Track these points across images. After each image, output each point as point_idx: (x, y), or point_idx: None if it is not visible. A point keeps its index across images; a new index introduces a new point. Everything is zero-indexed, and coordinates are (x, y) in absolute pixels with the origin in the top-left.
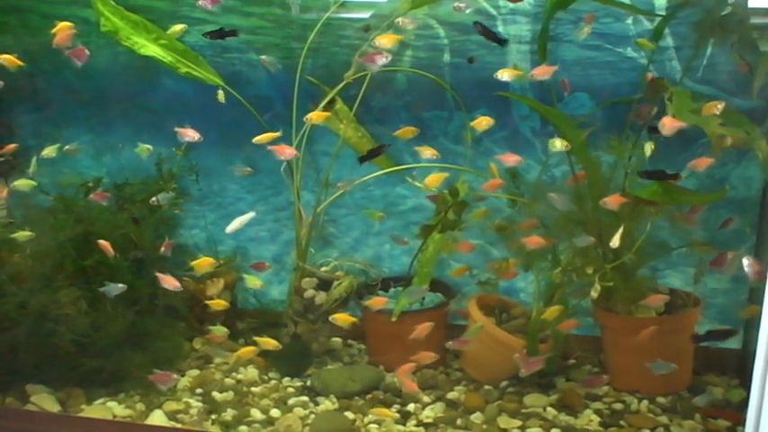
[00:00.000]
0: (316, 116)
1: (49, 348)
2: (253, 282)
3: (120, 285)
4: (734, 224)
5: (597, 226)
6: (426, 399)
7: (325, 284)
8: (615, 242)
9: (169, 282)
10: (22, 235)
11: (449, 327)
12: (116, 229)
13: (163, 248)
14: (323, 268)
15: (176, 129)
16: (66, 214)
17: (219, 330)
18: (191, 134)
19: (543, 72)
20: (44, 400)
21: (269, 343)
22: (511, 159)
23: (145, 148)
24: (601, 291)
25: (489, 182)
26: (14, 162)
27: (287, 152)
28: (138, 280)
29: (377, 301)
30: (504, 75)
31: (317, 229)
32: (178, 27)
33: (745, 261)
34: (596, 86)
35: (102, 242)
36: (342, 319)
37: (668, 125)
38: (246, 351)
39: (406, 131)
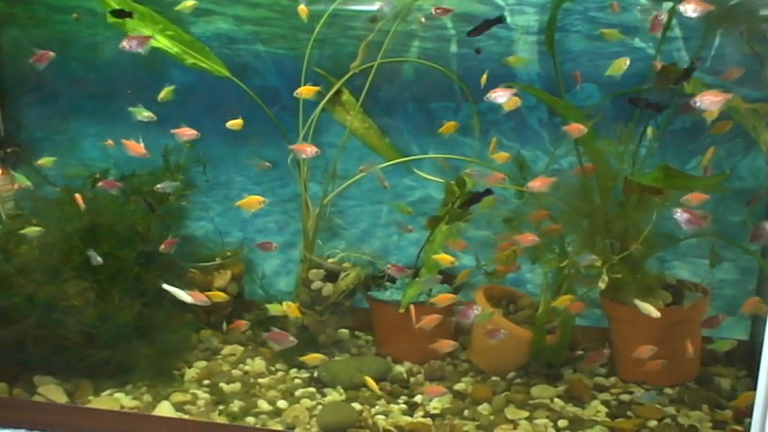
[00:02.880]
0: (305, 91)
1: (56, 340)
2: (276, 309)
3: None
4: (758, 202)
5: (604, 217)
6: (436, 389)
7: (332, 276)
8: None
9: (197, 297)
10: (32, 230)
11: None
12: (123, 220)
13: (163, 247)
14: (330, 260)
15: (173, 131)
16: (72, 205)
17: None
18: (188, 133)
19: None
20: (51, 392)
21: (315, 359)
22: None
23: (109, 143)
24: (608, 282)
25: (492, 175)
26: (22, 154)
27: (308, 151)
28: (145, 272)
29: (442, 298)
30: (498, 96)
31: (324, 221)
32: (189, 2)
33: (678, 211)
34: (604, 77)
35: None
36: (312, 359)
37: (710, 99)
38: (313, 358)
39: (449, 127)
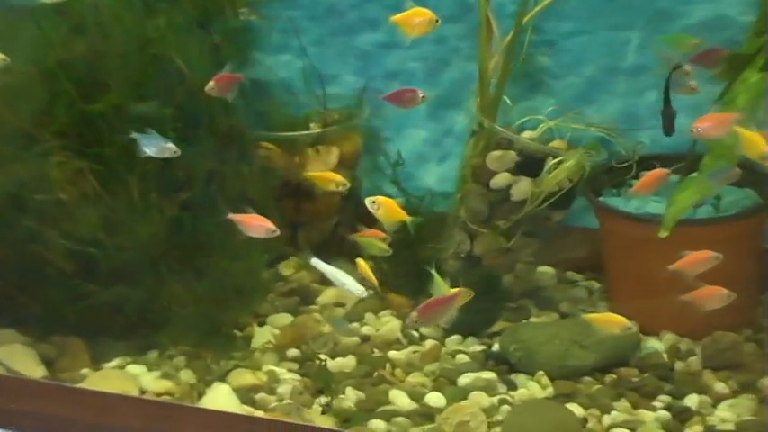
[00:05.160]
0: None
1: (25, 261)
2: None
3: (170, 146)
4: None
5: None
6: (721, 386)
7: (529, 164)
8: None
9: (261, 225)
10: None
11: (764, 252)
12: (145, 46)
13: (212, 86)
14: (526, 134)
15: None
16: (59, 17)
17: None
18: None
19: None
20: (18, 357)
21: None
22: None
23: None
24: None
25: None
26: None
27: None
28: (186, 147)
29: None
30: None
31: (518, 61)
32: None
33: None
34: None
35: None
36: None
37: None
38: None
39: None
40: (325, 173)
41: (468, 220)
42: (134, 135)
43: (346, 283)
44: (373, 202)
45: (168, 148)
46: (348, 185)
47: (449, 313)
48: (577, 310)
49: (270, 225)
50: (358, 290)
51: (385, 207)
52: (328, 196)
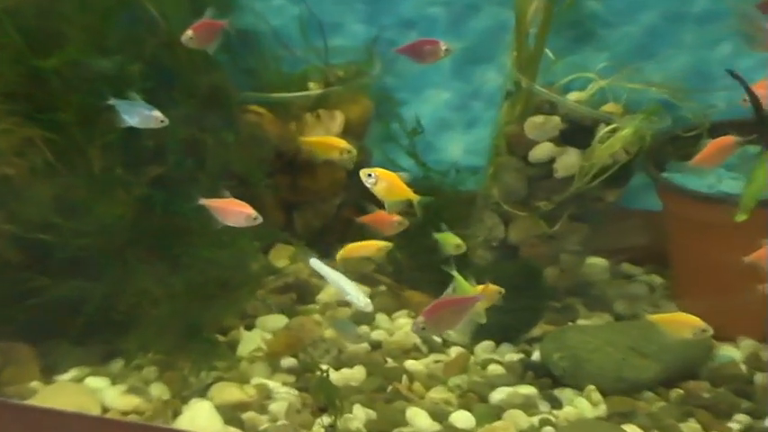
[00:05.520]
0: None
1: None
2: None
3: (157, 114)
4: None
5: None
6: None
7: (576, 133)
8: None
9: (240, 212)
10: None
11: None
12: None
13: (189, 36)
14: (573, 95)
15: None
16: None
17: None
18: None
19: None
20: None
21: (491, 292)
22: None
23: None
24: None
25: None
26: None
27: None
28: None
29: None
30: None
31: (563, 5)
32: None
33: None
34: None
35: None
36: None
37: None
38: None
39: None
40: (325, 138)
41: (502, 201)
42: (112, 101)
43: (349, 292)
44: (369, 175)
45: (154, 117)
46: (354, 153)
47: (464, 317)
48: (637, 309)
49: (250, 211)
50: (362, 302)
51: (385, 182)
52: (331, 170)
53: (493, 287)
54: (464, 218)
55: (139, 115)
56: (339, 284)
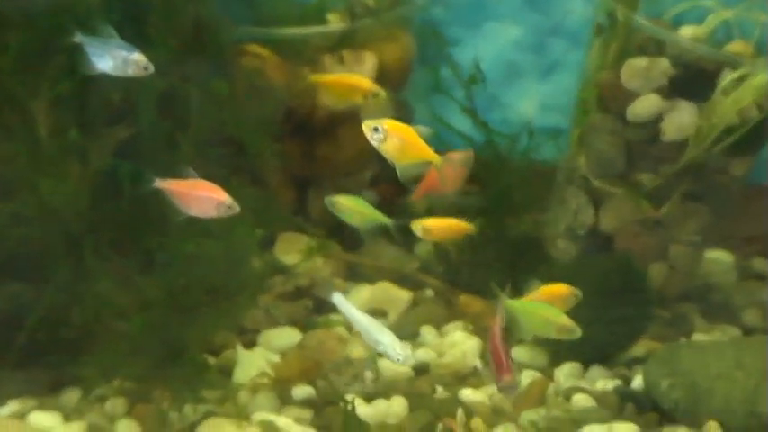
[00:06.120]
0: None
1: None
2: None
3: (138, 57)
4: None
5: None
6: None
7: (692, 81)
8: None
9: (209, 198)
10: None
11: None
12: None
13: None
14: (686, 31)
15: None
16: None
17: None
18: None
19: None
20: None
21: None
22: None
23: None
24: None
25: None
26: None
27: None
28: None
29: None
30: None
31: None
32: None
33: None
34: None
35: None
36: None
37: None
38: None
39: None
40: (344, 76)
41: (592, 175)
42: (78, 38)
43: (382, 341)
44: (375, 128)
45: (134, 62)
46: (383, 96)
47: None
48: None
49: (222, 197)
50: (399, 355)
51: (396, 138)
52: (358, 134)
53: (567, 288)
54: (540, 198)
55: (114, 58)
56: (368, 331)
